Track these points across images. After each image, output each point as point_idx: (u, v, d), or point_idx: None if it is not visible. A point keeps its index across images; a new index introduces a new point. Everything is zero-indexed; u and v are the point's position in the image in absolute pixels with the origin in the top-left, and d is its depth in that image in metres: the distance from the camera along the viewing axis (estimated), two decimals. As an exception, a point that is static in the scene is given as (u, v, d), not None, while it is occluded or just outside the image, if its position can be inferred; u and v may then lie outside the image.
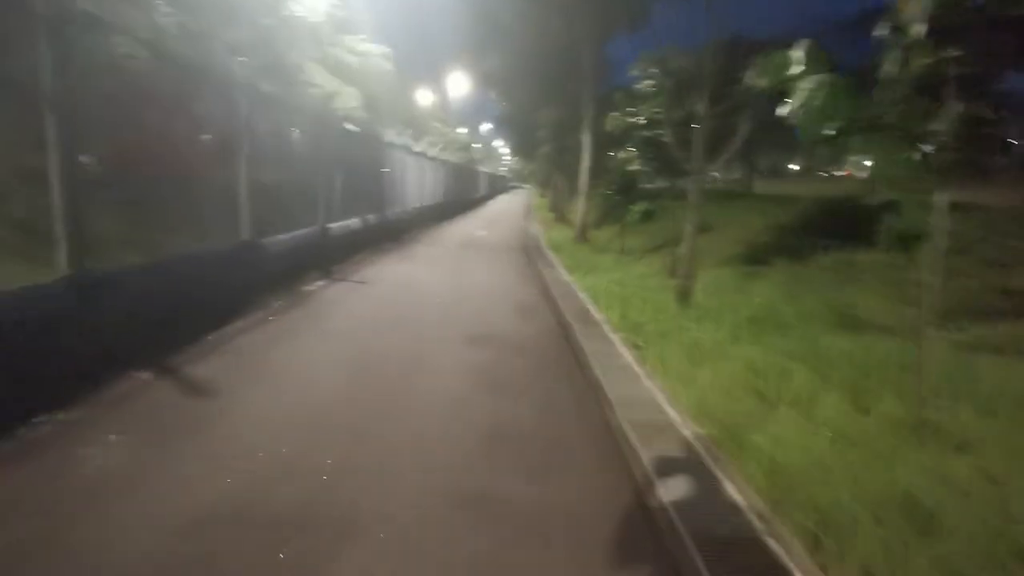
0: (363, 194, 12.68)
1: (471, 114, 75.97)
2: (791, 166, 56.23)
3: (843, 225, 8.12)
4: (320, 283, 7.49)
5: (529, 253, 12.58)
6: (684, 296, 6.72)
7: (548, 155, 19.54)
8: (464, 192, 32.05)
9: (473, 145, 54.50)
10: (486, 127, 68.69)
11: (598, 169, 16.06)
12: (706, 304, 6.63)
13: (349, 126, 12.37)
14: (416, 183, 18.58)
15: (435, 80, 37.09)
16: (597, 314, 6.26)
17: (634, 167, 9.59)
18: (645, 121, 9.13)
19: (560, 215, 24.81)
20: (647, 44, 27.73)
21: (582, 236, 15.91)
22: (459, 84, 37.96)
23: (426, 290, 7.45)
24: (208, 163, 5.78)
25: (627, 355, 4.77)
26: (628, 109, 9.41)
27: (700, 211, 6.63)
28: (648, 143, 9.15)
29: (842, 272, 6.96)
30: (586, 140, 15.69)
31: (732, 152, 6.32)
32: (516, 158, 64.27)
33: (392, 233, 13.90)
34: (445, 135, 34.68)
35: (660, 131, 9.08)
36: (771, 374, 3.87)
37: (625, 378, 4.19)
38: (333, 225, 10.03)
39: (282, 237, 7.52)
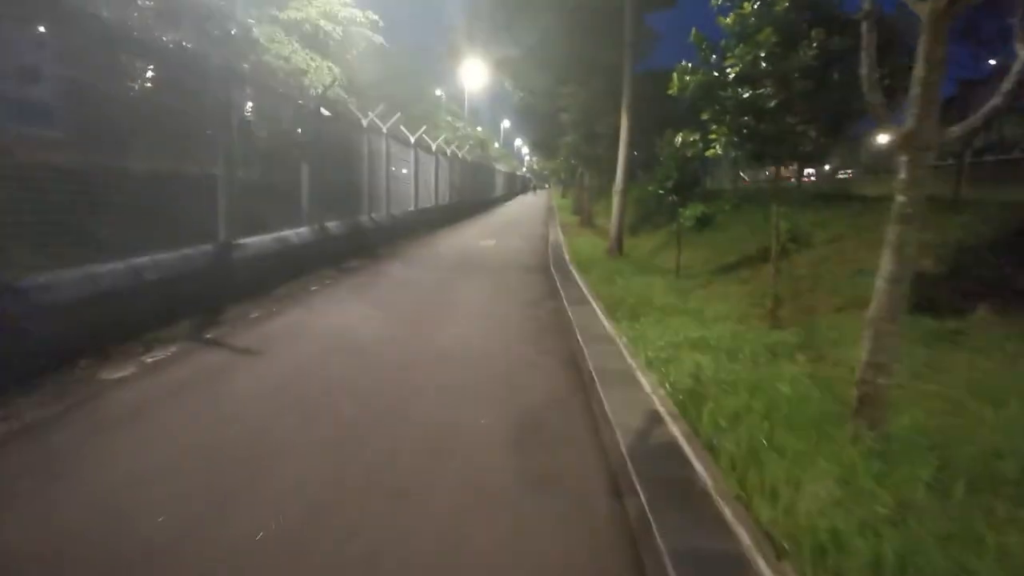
0: (335, 193, 9.40)
1: (492, 112, 72.90)
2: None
3: None
4: (166, 353, 4.12)
5: (548, 275, 9.10)
6: (872, 406, 3.13)
7: (573, 145, 15.92)
8: (477, 192, 28.74)
9: (494, 145, 51.03)
10: (507, 125, 65.67)
11: (634, 161, 12.49)
12: (926, 430, 3.06)
13: (316, 106, 9.10)
14: (412, 181, 15.28)
15: (448, 73, 34.04)
16: (701, 466, 2.73)
17: (715, 150, 6.01)
18: (736, 73, 5.57)
19: (586, 218, 21.25)
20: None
21: (617, 248, 12.36)
22: (475, 75, 34.66)
23: (351, 375, 3.99)
24: None
25: None
26: (706, 58, 5.85)
27: (915, 225, 3.04)
28: (744, 109, 5.59)
29: None
30: (624, 124, 12.13)
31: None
32: (536, 157, 60.74)
33: (366, 246, 10.55)
34: (457, 129, 31.46)
35: (763, 89, 5.53)
36: None
37: None
38: (264, 238, 6.72)
39: (105, 269, 4.19)
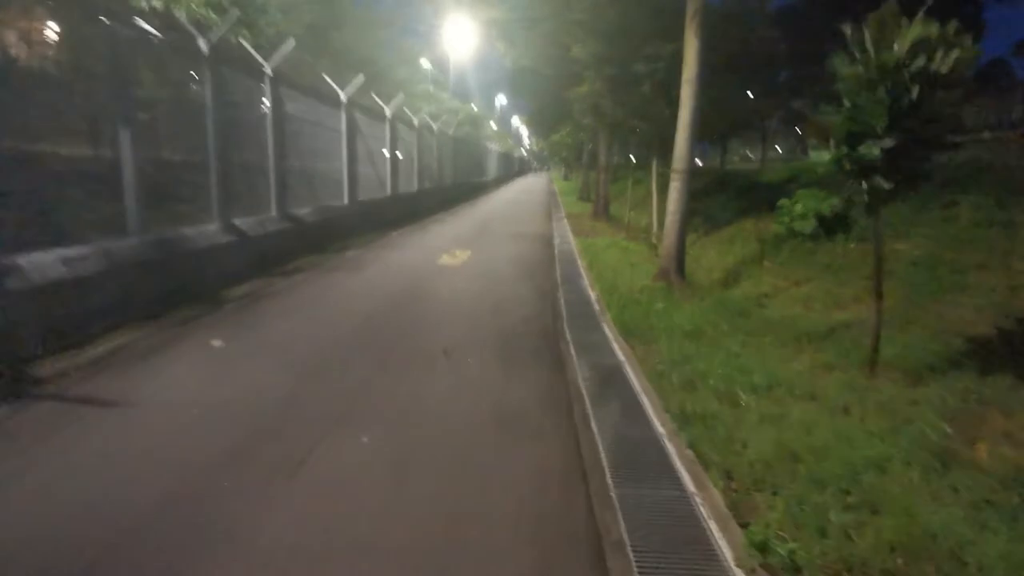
0: (121, 183, 4.13)
1: (487, 90, 66.65)
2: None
3: None
4: None
5: (561, 372, 3.78)
6: None
7: (591, 98, 10.23)
8: (461, 175, 23.31)
9: (490, 124, 44.60)
10: (503, 102, 59.76)
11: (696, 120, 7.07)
12: None
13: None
14: (344, 159, 9.91)
15: (430, 34, 28.43)
16: None
17: None
18: None
19: (601, 207, 15.86)
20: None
21: (677, 270, 7.03)
22: (463, 39, 28.91)
23: None
24: None
25: None
26: None
27: None
28: None
29: None
30: (692, 50, 6.72)
31: None
32: (534, 137, 54.47)
33: (189, 289, 5.19)
34: (442, 101, 25.85)
35: None
36: None
37: None
38: None
39: None
